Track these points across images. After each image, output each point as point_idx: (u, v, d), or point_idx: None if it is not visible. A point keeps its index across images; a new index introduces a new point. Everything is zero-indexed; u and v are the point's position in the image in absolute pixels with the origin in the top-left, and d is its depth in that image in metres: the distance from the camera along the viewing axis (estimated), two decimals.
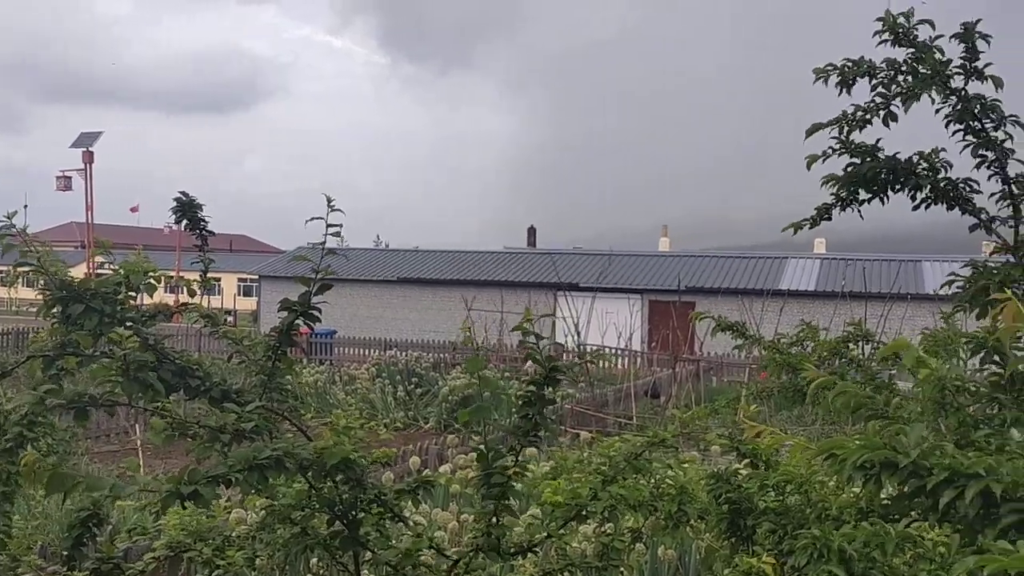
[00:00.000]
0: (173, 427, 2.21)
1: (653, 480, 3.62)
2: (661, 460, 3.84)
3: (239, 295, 64.51)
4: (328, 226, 2.58)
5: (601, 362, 24.66)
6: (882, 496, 2.34)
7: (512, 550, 2.73)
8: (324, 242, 2.58)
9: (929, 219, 3.73)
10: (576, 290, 30.92)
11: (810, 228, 3.42)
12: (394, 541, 2.84)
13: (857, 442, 1.96)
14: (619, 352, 24.65)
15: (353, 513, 2.60)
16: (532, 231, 52.99)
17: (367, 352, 27.45)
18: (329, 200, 2.53)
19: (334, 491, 2.54)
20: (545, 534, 2.78)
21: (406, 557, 2.51)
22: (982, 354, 2.54)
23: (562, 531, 2.86)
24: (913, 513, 2.15)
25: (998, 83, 3.05)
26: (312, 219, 2.52)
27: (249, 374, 2.71)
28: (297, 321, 2.62)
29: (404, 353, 23.33)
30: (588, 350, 24.05)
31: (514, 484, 2.55)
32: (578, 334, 21.94)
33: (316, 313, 2.60)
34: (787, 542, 2.80)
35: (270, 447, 2.15)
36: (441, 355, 24.65)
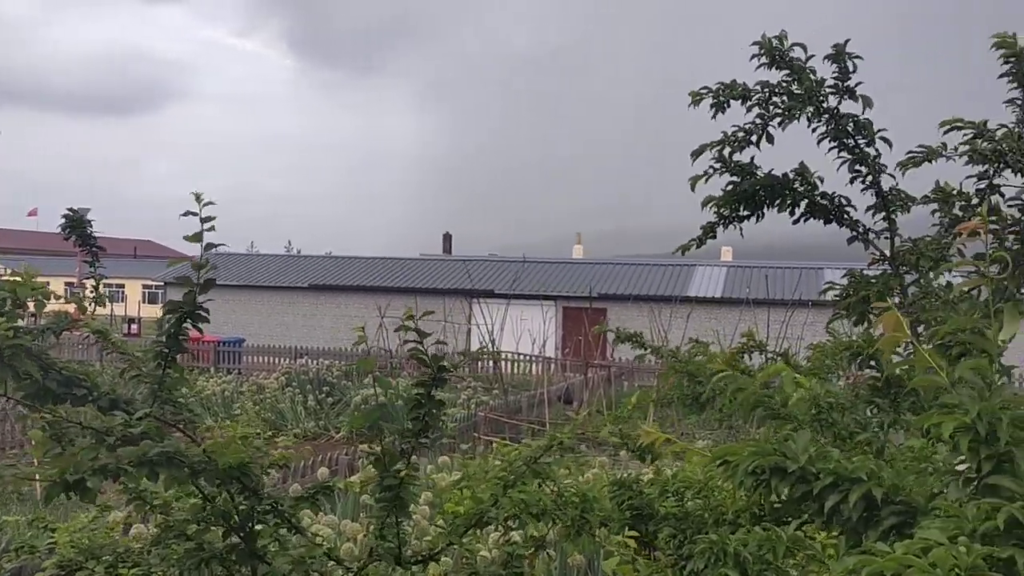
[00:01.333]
0: (52, 428, 2.10)
1: (557, 488, 3.65)
2: (569, 466, 3.89)
3: (144, 302, 62.55)
4: (203, 220, 2.48)
5: (515, 368, 24.77)
6: (773, 500, 2.41)
7: (414, 559, 2.70)
8: (201, 236, 2.48)
9: (832, 229, 3.86)
10: (491, 297, 30.98)
11: (697, 247, 3.52)
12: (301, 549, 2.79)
13: (749, 449, 2.01)
14: (533, 358, 24.77)
15: (249, 525, 2.53)
16: (448, 238, 52.89)
17: (277, 361, 26.91)
18: (198, 196, 2.45)
19: (229, 503, 2.48)
20: (447, 542, 2.76)
21: (298, 565, 2.46)
22: (858, 360, 2.64)
23: (465, 539, 2.85)
24: (804, 516, 2.20)
25: (868, 103, 3.19)
26: (185, 214, 2.44)
27: (140, 384, 2.61)
28: (186, 324, 2.53)
29: (315, 361, 22.97)
30: (503, 356, 24.12)
31: (408, 487, 2.52)
32: (493, 341, 21.98)
33: (203, 313, 2.52)
34: (687, 546, 2.85)
35: (161, 445, 2.07)
36: (354, 363, 24.33)
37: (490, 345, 21.46)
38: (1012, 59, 3.06)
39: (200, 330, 2.62)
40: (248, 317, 38.41)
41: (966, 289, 3.24)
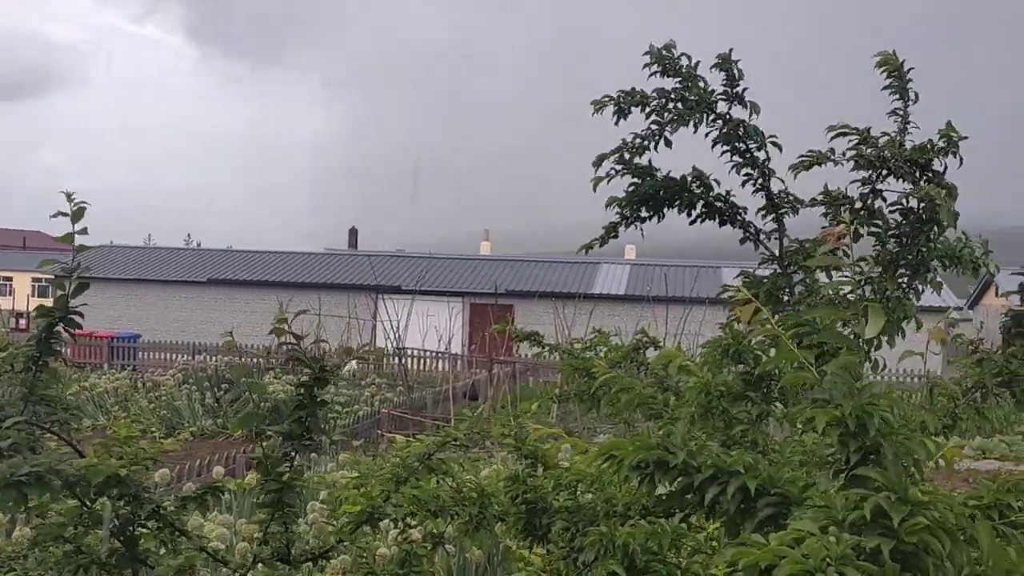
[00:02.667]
0: None
1: (455, 484, 3.65)
2: (463, 463, 3.87)
3: (33, 295, 59.85)
4: (75, 219, 2.38)
5: (421, 365, 24.65)
6: (661, 493, 2.46)
7: (302, 558, 2.66)
8: (73, 237, 2.38)
9: (731, 230, 3.96)
10: (398, 293, 30.74)
11: (600, 246, 3.57)
12: (183, 555, 2.71)
13: (634, 444, 2.04)
14: (439, 355, 24.71)
15: (130, 529, 2.45)
16: (353, 233, 52.28)
17: (174, 357, 26.14)
18: (69, 195, 2.35)
19: (108, 508, 2.39)
20: (337, 539, 2.73)
21: (179, 573, 2.39)
22: (730, 354, 2.72)
23: (358, 537, 2.82)
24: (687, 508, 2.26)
25: (755, 109, 3.29)
26: (56, 215, 2.33)
27: (11, 386, 2.50)
28: (57, 328, 2.43)
29: (214, 358, 22.39)
30: (408, 353, 23.99)
31: (292, 490, 2.48)
32: (398, 337, 21.81)
33: (78, 319, 2.42)
34: (578, 539, 2.89)
35: (30, 463, 1.98)
36: (255, 360, 23.82)
37: (396, 341, 21.32)
38: (894, 74, 3.21)
39: (73, 336, 2.51)
40: (144, 312, 37.18)
41: (847, 289, 3.39)
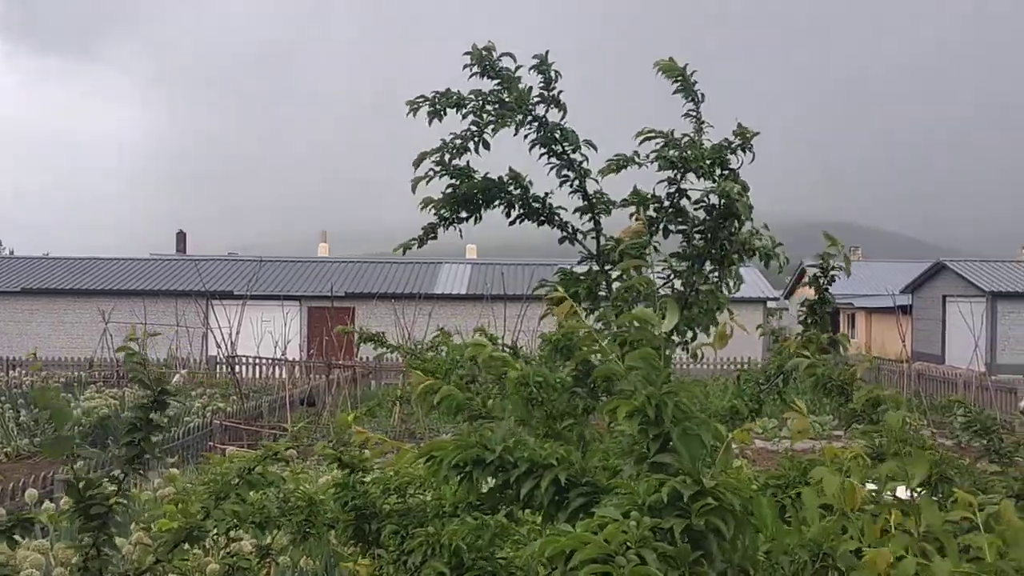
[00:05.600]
0: None
1: (283, 494, 3.57)
2: (309, 471, 3.80)
3: None
4: None
5: (256, 372, 23.90)
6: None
7: None
8: None
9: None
10: (230, 298, 29.65)
11: (419, 247, 3.59)
12: None
13: (454, 443, 2.07)
14: (275, 361, 24.04)
15: None
16: (182, 237, 50.06)
17: None
18: None
19: None
20: (154, 560, 2.62)
21: None
22: (559, 349, 2.80)
23: (177, 553, 2.72)
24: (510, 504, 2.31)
25: (564, 110, 3.41)
26: None
27: None
28: None
29: (30, 373, 20.93)
30: (242, 361, 23.21)
31: (115, 515, 2.37)
32: (231, 345, 21.07)
33: None
34: (408, 542, 2.90)
35: None
36: (76, 373, 22.44)
37: (228, 349, 20.58)
38: (679, 79, 3.39)
39: None
40: None
41: (659, 284, 3.55)
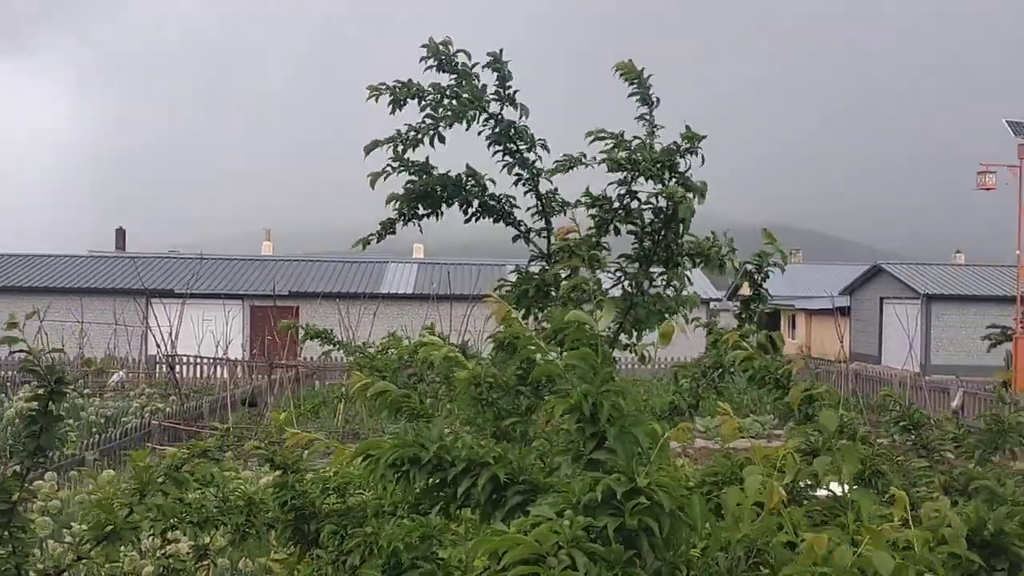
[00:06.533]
0: None
1: (222, 493, 3.50)
2: (236, 469, 3.73)
3: None
4: None
5: (197, 372, 23.47)
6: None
7: None
8: None
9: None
10: (171, 297, 29.07)
11: (377, 242, 3.56)
12: None
13: (391, 442, 2.05)
14: (216, 361, 23.63)
15: None
16: (121, 234, 48.94)
17: None
18: None
19: None
20: (74, 557, 2.55)
21: None
22: (505, 348, 2.79)
23: (102, 552, 2.64)
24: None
25: (524, 111, 3.40)
26: None
27: None
28: None
29: None
30: (182, 360, 22.78)
31: (19, 512, 2.30)
32: (172, 344, 20.66)
33: None
34: (346, 542, 2.86)
35: None
36: (9, 373, 21.79)
37: (167, 348, 20.18)
38: (635, 81, 3.40)
39: None
40: None
41: (609, 284, 3.56)
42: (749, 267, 3.58)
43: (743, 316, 3.60)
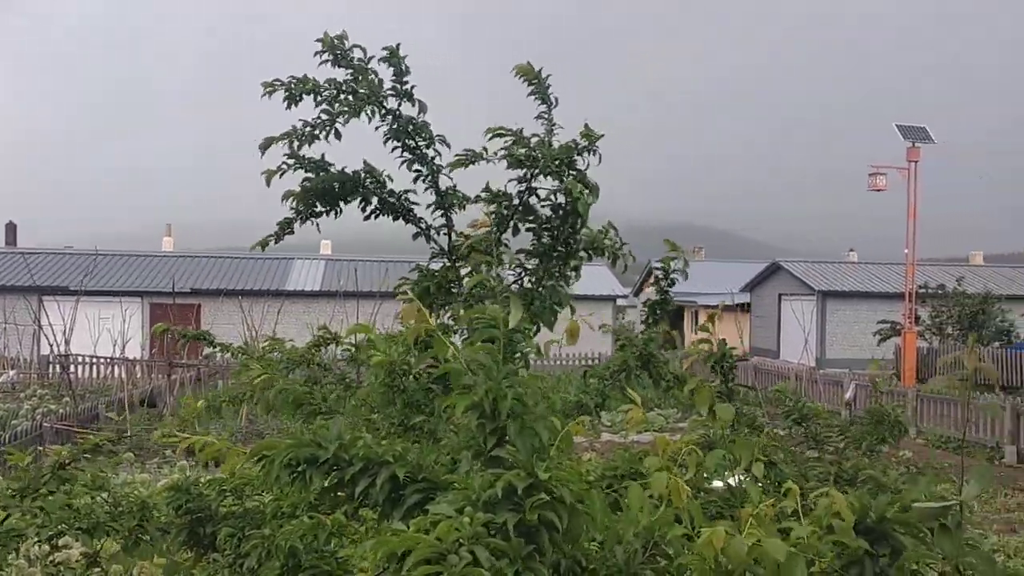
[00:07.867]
0: None
1: (113, 497, 3.38)
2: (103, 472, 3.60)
3: None
4: None
5: (93, 372, 22.61)
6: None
7: None
8: None
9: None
10: (65, 294, 27.90)
11: (275, 243, 3.48)
12: None
13: (287, 442, 2.00)
14: (113, 360, 22.81)
15: None
16: (12, 228, 46.75)
17: None
18: None
19: None
20: None
21: None
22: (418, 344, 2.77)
23: None
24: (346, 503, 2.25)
25: (423, 108, 3.38)
26: None
27: None
28: None
29: None
30: (76, 360, 21.91)
31: None
32: (65, 343, 19.84)
33: None
34: (243, 544, 2.80)
35: None
36: None
37: (61, 347, 19.38)
38: (535, 82, 3.42)
39: None
40: None
41: (511, 280, 3.57)
42: (657, 272, 3.66)
43: (649, 320, 3.67)
